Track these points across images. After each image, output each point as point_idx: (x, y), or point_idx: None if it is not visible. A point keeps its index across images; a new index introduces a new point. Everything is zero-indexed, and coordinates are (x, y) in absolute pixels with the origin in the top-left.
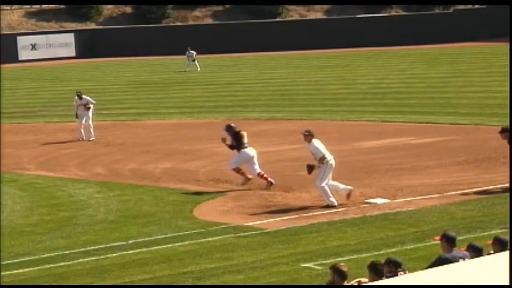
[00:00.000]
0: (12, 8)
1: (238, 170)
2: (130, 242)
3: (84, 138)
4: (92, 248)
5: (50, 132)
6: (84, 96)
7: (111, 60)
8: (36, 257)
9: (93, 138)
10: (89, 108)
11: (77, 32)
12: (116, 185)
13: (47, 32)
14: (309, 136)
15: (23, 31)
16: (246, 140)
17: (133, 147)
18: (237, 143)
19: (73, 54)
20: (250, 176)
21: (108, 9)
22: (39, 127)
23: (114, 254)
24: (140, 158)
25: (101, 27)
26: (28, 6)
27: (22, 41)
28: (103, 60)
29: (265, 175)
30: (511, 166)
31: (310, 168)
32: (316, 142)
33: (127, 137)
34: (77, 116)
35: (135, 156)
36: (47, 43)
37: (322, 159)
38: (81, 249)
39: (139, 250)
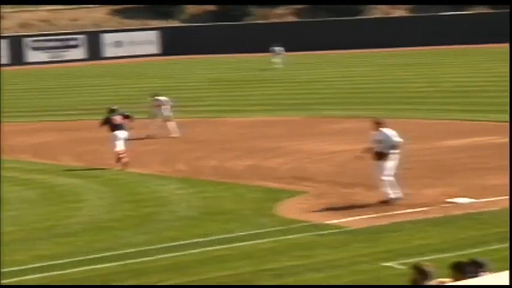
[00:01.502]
0: (97, 6)
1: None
2: (210, 238)
3: (160, 135)
4: (173, 244)
5: (132, 128)
6: (160, 98)
7: (193, 58)
8: (119, 252)
9: (176, 135)
10: (166, 107)
11: (160, 30)
12: (197, 182)
13: (131, 29)
14: (379, 124)
15: (107, 28)
16: None
17: (214, 144)
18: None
19: (156, 51)
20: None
21: (191, 7)
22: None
23: (194, 251)
24: (221, 155)
25: (183, 24)
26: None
27: (107, 38)
28: (185, 58)
29: None
30: (511, 167)
31: (380, 156)
32: (387, 130)
33: (208, 134)
34: (153, 115)
35: (216, 153)
36: (130, 40)
37: (396, 146)
38: (162, 245)
39: (219, 247)
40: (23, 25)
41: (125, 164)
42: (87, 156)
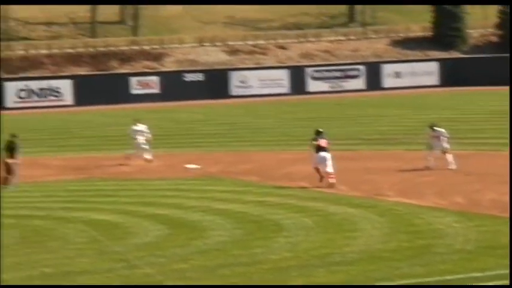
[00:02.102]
0: (379, 36)
1: None
2: (487, 273)
3: (437, 167)
4: (450, 277)
5: (410, 159)
6: (436, 128)
7: (474, 90)
8: (394, 283)
9: (453, 167)
10: (443, 138)
11: (441, 61)
12: (474, 215)
13: (411, 60)
14: None
15: (387, 59)
16: None
17: (493, 177)
18: None
19: (436, 82)
20: None
21: (473, 38)
22: (400, 154)
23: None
24: (500, 188)
25: (465, 56)
26: (393, 34)
27: (386, 68)
28: (465, 89)
29: None
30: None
31: None
32: None
33: (486, 167)
34: (431, 146)
35: (494, 186)
36: (410, 71)
37: None
38: (439, 278)
39: (496, 282)
40: (305, 55)
41: (331, 185)
42: (363, 186)
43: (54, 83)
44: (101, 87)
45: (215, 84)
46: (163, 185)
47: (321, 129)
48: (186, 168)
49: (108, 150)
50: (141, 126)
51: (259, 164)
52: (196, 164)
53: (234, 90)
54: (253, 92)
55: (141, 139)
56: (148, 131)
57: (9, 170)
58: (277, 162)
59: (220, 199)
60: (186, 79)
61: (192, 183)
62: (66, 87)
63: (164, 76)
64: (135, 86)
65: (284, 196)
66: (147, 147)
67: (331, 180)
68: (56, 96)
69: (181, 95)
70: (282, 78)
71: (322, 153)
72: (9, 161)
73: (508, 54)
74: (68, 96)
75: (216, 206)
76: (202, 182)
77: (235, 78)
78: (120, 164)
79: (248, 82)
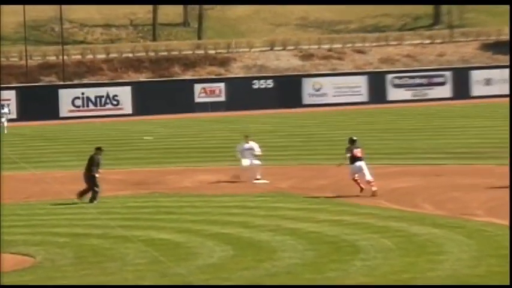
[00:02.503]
0: (467, 39)
1: None
2: None
3: None
4: None
5: (501, 175)
6: None
7: None
8: None
9: None
10: None
11: None
12: None
13: (503, 66)
14: None
15: (476, 65)
16: None
17: None
18: None
19: None
20: None
21: None
22: (490, 170)
23: None
24: None
25: None
26: (483, 38)
27: (475, 75)
28: None
29: None
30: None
31: None
32: None
33: None
34: None
35: None
36: (502, 78)
37: None
38: None
39: None
40: (385, 60)
41: (374, 193)
42: (449, 205)
43: (112, 90)
44: (162, 95)
45: (286, 92)
46: (228, 201)
47: (355, 138)
48: (254, 183)
49: (170, 163)
50: (251, 144)
51: (335, 179)
52: (265, 179)
53: (307, 99)
54: (328, 101)
55: (250, 158)
56: (259, 149)
57: (95, 183)
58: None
59: (291, 217)
60: (255, 86)
61: (260, 199)
62: (125, 94)
63: (231, 83)
64: (199, 94)
65: (362, 215)
66: (258, 163)
67: (374, 188)
68: (114, 104)
69: (249, 103)
70: (360, 85)
71: (358, 163)
72: (97, 174)
73: None
74: (127, 105)
75: (286, 225)
76: (271, 198)
77: (308, 86)
78: (226, 182)
79: (322, 90)
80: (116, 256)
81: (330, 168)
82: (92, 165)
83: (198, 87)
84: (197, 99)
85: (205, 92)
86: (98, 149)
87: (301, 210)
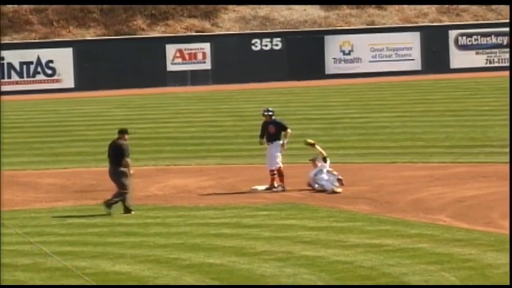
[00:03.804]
0: None
1: None
2: None
3: None
4: None
5: None
6: None
7: None
8: None
9: None
10: None
11: None
12: None
13: None
14: None
15: None
16: None
17: None
18: None
19: None
20: None
21: None
22: None
23: None
24: None
25: None
26: None
27: None
28: None
29: None
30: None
31: None
32: None
33: None
34: None
35: None
36: None
37: None
38: None
39: None
40: (447, 10)
41: None
42: None
43: (45, 54)
44: (119, 61)
45: (301, 56)
46: (216, 216)
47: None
48: (253, 189)
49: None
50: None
51: (373, 184)
52: (268, 184)
53: (332, 66)
54: (361, 69)
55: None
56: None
57: (123, 185)
58: (401, 181)
59: (308, 241)
60: (255, 48)
61: (263, 214)
62: (64, 60)
63: (219, 43)
64: (173, 59)
65: (412, 237)
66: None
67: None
68: (49, 74)
69: (246, 73)
70: (410, 46)
71: None
72: (131, 171)
73: None
74: (66, 75)
75: (301, 251)
76: (278, 212)
77: (333, 47)
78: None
79: (354, 53)
80: None
81: (365, 168)
82: (121, 155)
83: (171, 49)
84: (170, 67)
85: (182, 57)
86: (122, 132)
87: (322, 230)
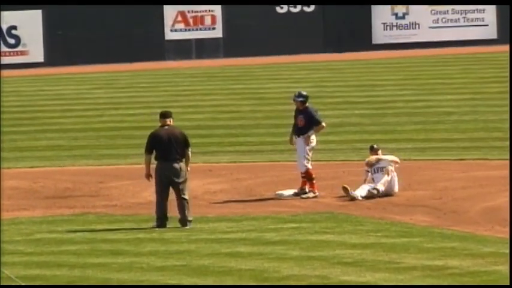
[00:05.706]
0: None
1: None
2: None
3: None
4: None
5: None
6: None
7: None
8: None
9: None
10: None
11: None
12: None
13: None
14: None
15: None
16: None
17: None
18: None
19: None
20: None
21: None
22: None
23: None
24: None
25: None
26: None
27: None
28: None
29: None
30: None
31: None
32: None
33: None
34: None
35: None
36: None
37: None
38: None
39: None
40: None
41: None
42: None
43: (6, 18)
44: (103, 28)
45: (340, 21)
46: (230, 230)
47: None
48: (278, 195)
49: (115, 157)
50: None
51: (435, 187)
52: (297, 188)
53: (381, 35)
54: (419, 38)
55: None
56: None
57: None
58: (471, 184)
59: (349, 262)
60: (281, 10)
61: (291, 227)
62: (31, 26)
63: (232, 5)
64: (174, 24)
65: (485, 257)
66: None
67: None
68: (12, 45)
69: (268, 43)
70: (482, 9)
71: None
72: (188, 167)
73: None
74: (34, 46)
75: (340, 275)
76: (311, 224)
77: (383, 11)
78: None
79: (409, 17)
80: None
81: (424, 166)
82: (187, 145)
83: (170, 12)
84: (169, 35)
85: (185, 22)
86: (166, 115)
87: (368, 248)
